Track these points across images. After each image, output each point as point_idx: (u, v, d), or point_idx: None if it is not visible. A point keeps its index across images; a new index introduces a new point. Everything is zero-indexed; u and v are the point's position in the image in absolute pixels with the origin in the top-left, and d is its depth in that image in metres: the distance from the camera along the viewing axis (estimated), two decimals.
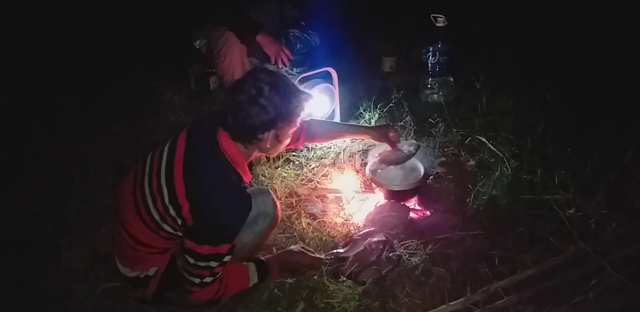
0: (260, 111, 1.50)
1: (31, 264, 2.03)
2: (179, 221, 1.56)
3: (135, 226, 1.64)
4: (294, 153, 2.65)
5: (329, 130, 2.14)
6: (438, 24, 2.92)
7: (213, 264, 1.57)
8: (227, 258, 1.60)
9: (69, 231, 2.19)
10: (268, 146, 1.61)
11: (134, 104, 2.91)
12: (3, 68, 3.03)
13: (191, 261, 1.57)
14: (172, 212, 1.55)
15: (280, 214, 1.89)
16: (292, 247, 1.99)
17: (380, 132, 2.16)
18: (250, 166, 2.45)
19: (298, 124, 1.62)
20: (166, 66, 3.05)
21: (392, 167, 2.35)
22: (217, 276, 1.63)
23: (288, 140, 1.69)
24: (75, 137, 2.72)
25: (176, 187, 1.53)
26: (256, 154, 1.69)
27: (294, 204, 2.34)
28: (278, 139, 1.61)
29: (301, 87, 1.60)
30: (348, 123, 2.16)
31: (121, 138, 2.70)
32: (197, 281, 1.60)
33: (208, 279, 1.61)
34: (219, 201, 1.52)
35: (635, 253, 1.71)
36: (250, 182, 1.73)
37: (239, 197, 1.57)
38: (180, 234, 1.62)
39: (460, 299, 1.73)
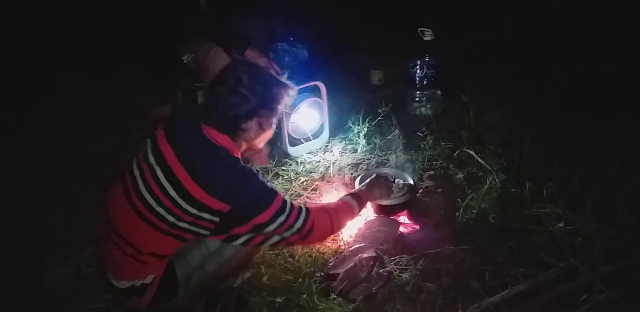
0: (242, 100, 1.52)
1: (15, 284, 1.99)
2: (212, 217, 1.52)
3: (142, 235, 1.59)
4: (283, 168, 2.64)
5: None
6: (425, 38, 2.94)
7: (282, 217, 1.57)
8: (288, 204, 1.60)
9: (54, 250, 2.15)
10: (252, 136, 1.62)
11: (121, 119, 2.89)
12: None
13: (266, 230, 1.56)
14: (195, 211, 1.51)
15: None
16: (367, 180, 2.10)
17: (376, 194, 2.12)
18: None
19: (280, 112, 1.63)
20: (154, 81, 3.03)
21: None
22: (301, 218, 1.62)
23: (272, 131, 1.69)
24: (61, 154, 2.68)
25: (190, 191, 1.49)
26: (244, 146, 1.68)
27: (323, 205, 2.31)
28: (262, 128, 1.62)
29: (281, 77, 1.62)
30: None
31: (107, 154, 2.67)
32: (289, 233, 1.61)
33: (297, 225, 1.61)
34: (240, 177, 1.53)
35: (625, 268, 1.71)
36: None
37: (249, 167, 1.59)
38: (202, 230, 1.57)
39: None
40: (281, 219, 1.57)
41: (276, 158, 2.61)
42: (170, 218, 1.53)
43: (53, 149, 2.72)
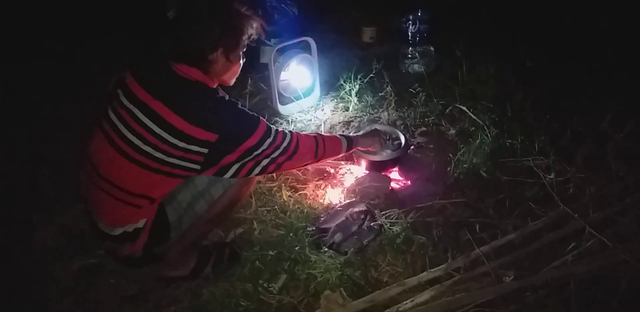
0: (205, 30, 1.51)
1: (5, 243, 1.98)
2: (200, 149, 1.53)
3: (131, 176, 1.59)
4: (273, 126, 2.59)
5: None
6: None
7: (269, 140, 1.61)
8: (272, 129, 1.64)
9: (42, 208, 2.14)
10: (220, 69, 1.60)
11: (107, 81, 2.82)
12: None
13: (255, 153, 1.59)
14: (183, 145, 1.51)
15: None
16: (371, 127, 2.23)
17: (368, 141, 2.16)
18: None
19: (243, 46, 1.63)
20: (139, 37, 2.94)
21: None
22: (287, 138, 1.68)
23: (240, 64, 1.69)
24: (47, 116, 2.63)
25: (175, 124, 1.50)
26: (216, 82, 1.67)
27: (275, 177, 2.30)
28: (229, 60, 1.61)
29: (243, 9, 1.60)
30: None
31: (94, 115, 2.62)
32: (277, 153, 1.66)
33: (284, 145, 1.67)
34: (222, 105, 1.57)
35: (614, 215, 1.72)
36: None
37: (228, 98, 1.62)
38: (192, 165, 1.57)
39: (441, 266, 1.72)
40: (269, 140, 1.61)
41: (266, 117, 2.56)
42: (159, 155, 1.53)
43: (38, 110, 2.67)
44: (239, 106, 1.61)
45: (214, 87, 1.66)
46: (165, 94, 1.54)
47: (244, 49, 1.66)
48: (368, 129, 2.27)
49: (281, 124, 2.64)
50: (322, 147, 1.81)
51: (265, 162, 1.65)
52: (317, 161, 1.87)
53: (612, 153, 1.95)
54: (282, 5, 3.14)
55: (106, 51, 3.06)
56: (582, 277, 1.58)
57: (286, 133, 1.70)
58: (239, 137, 1.57)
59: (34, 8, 3.23)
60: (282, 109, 2.67)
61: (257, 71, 2.90)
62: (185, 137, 1.51)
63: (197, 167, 1.57)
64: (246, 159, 1.60)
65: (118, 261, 1.84)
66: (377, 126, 2.33)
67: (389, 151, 2.26)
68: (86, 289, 1.88)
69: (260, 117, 1.63)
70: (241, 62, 1.70)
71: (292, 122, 2.65)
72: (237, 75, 1.74)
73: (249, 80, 2.74)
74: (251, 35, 1.64)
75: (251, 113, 1.62)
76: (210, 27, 1.53)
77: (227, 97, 1.63)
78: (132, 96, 1.56)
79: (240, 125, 1.58)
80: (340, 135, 1.98)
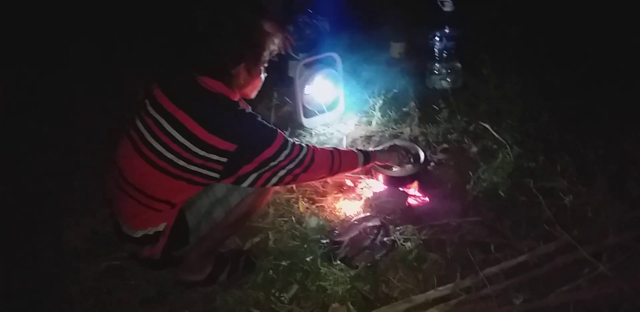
0: (226, 41, 1.60)
1: (33, 242, 2.10)
2: (219, 158, 1.60)
3: (154, 181, 1.67)
4: (297, 139, 2.65)
5: None
6: (445, 9, 2.87)
7: (285, 151, 1.66)
8: (289, 142, 1.69)
9: (72, 210, 2.25)
10: (242, 82, 1.69)
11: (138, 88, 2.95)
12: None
13: (272, 164, 1.65)
14: (203, 153, 1.59)
15: None
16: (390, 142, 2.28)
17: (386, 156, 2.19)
18: None
19: (265, 61, 1.71)
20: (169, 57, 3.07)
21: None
22: (303, 151, 1.72)
23: (262, 78, 1.76)
24: (83, 120, 2.77)
25: (196, 133, 1.57)
26: (238, 95, 1.74)
27: (294, 188, 2.35)
28: (250, 74, 1.69)
29: (267, 26, 1.68)
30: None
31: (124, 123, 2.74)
32: (293, 165, 1.70)
33: (300, 157, 1.71)
34: (241, 116, 1.63)
35: (629, 241, 1.68)
36: None
37: (248, 110, 1.69)
38: (212, 173, 1.63)
39: (449, 285, 1.72)
40: (286, 152, 1.66)
41: (289, 129, 2.63)
42: (181, 162, 1.60)
43: (76, 114, 2.81)
44: (258, 119, 1.67)
45: (236, 99, 1.73)
46: (189, 104, 1.61)
47: (266, 64, 1.74)
48: (387, 144, 2.30)
49: (304, 136, 2.69)
50: (337, 161, 1.85)
51: (281, 173, 1.70)
52: (334, 175, 1.91)
53: (633, 176, 1.90)
54: (314, 21, 3.21)
55: (140, 58, 3.20)
56: (592, 302, 1.55)
57: (303, 146, 1.74)
58: (256, 148, 1.63)
59: (68, 13, 3.44)
60: (306, 121, 2.72)
61: (285, 84, 2.97)
62: (205, 146, 1.58)
63: (216, 175, 1.64)
64: (263, 170, 1.66)
65: (139, 263, 1.92)
66: (397, 142, 2.36)
67: (408, 167, 2.28)
68: (107, 290, 1.97)
69: (278, 130, 1.68)
70: (262, 76, 1.77)
71: (315, 135, 2.70)
72: (259, 88, 1.81)
73: (275, 94, 2.81)
74: (273, 51, 1.72)
75: (269, 126, 1.68)
76: (233, 43, 1.61)
77: (248, 110, 1.70)
78: (159, 106, 1.64)
79: (258, 137, 1.64)
80: (358, 149, 2.01)
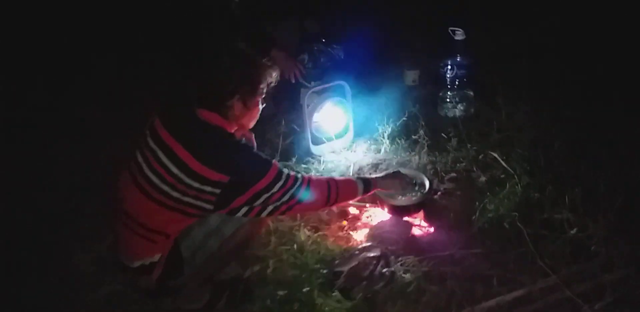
0: (223, 74, 1.65)
1: (43, 265, 2.16)
2: (213, 190, 1.62)
3: (149, 213, 1.70)
4: (305, 165, 2.67)
5: None
6: (456, 38, 2.88)
7: (279, 183, 1.67)
8: (283, 173, 1.69)
9: (82, 236, 2.31)
10: (237, 113, 1.71)
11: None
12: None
13: (265, 196, 1.65)
14: (197, 185, 1.61)
15: None
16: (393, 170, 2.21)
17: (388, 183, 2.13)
18: None
19: (262, 93, 1.74)
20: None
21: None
22: (298, 182, 1.72)
23: (259, 109, 1.79)
24: (99, 142, 2.86)
25: (190, 165, 1.61)
26: (235, 126, 1.77)
27: (297, 216, 2.35)
28: (246, 106, 1.72)
29: (266, 60, 1.73)
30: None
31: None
32: (287, 197, 1.70)
33: (294, 189, 1.70)
34: (234, 148, 1.67)
35: (628, 276, 1.61)
36: None
37: (242, 141, 1.74)
38: (206, 205, 1.66)
39: None
40: (279, 184, 1.67)
41: (296, 156, 2.65)
42: (175, 194, 1.64)
43: (91, 136, 2.92)
44: (252, 151, 1.71)
45: (233, 131, 1.76)
46: (185, 137, 1.66)
47: (263, 96, 1.77)
48: (390, 171, 2.28)
49: (313, 163, 2.71)
50: (334, 192, 1.83)
51: (276, 204, 1.71)
52: (331, 205, 1.92)
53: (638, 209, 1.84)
54: (329, 49, 3.27)
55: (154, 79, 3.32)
56: None
57: (297, 177, 1.75)
58: (249, 180, 1.64)
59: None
60: (314, 148, 2.74)
61: (296, 112, 3.02)
62: (199, 178, 1.61)
63: (210, 207, 1.66)
64: (257, 201, 1.67)
65: (136, 291, 1.94)
66: (402, 170, 2.35)
67: (413, 196, 2.25)
68: None
69: (273, 161, 1.70)
70: (260, 107, 1.80)
71: (323, 162, 2.71)
72: (257, 119, 1.84)
73: (283, 121, 2.85)
74: (270, 83, 1.76)
75: (264, 157, 1.70)
76: (229, 76, 1.66)
77: (242, 142, 1.74)
78: (157, 138, 1.69)
79: (251, 168, 1.66)
80: (358, 178, 2.00)
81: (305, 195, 1.75)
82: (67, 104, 3.19)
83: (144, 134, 1.75)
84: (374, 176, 2.13)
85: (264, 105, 1.82)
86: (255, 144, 1.95)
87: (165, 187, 1.65)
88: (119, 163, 2.54)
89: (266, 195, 1.67)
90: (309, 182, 1.77)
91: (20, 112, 3.19)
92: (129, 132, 2.83)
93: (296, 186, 1.72)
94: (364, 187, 1.95)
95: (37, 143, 2.94)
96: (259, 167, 1.67)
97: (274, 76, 1.76)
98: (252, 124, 1.85)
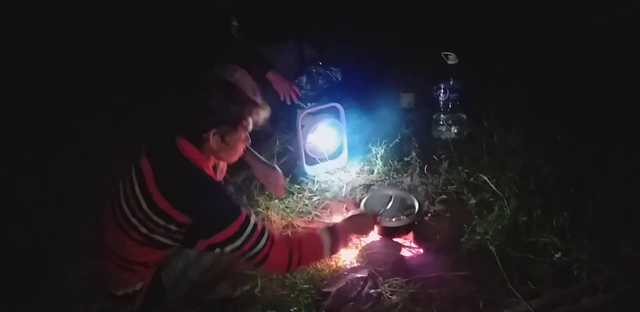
0: (204, 111, 1.61)
1: (37, 282, 2.18)
2: (178, 229, 1.63)
3: (123, 245, 1.72)
4: (298, 186, 2.70)
5: None
6: (449, 62, 2.95)
7: (239, 241, 1.60)
8: (248, 228, 1.61)
9: (80, 253, 2.32)
10: (215, 147, 1.66)
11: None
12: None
13: (231, 245, 1.60)
14: (163, 223, 1.62)
15: None
16: (351, 212, 2.12)
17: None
18: (250, 194, 2.54)
19: (245, 130, 1.69)
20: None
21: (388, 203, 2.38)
22: (260, 243, 1.62)
23: (240, 147, 1.75)
24: (102, 163, 2.91)
25: (158, 203, 1.59)
26: (212, 159, 1.74)
27: (290, 236, 2.37)
28: (224, 142, 1.66)
29: (255, 97, 1.69)
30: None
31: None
32: (252, 253, 1.63)
33: (257, 248, 1.62)
34: (201, 190, 1.60)
35: (611, 301, 1.62)
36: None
37: (215, 182, 1.67)
38: (174, 242, 1.68)
39: None
40: (239, 241, 1.60)
41: (290, 176, 2.69)
42: (144, 230, 1.65)
43: (94, 156, 2.97)
44: (223, 195, 1.63)
45: (210, 165, 1.73)
46: (158, 170, 1.63)
47: (247, 132, 1.72)
48: (351, 212, 2.19)
49: (307, 183, 2.74)
50: (296, 256, 1.70)
51: (246, 255, 1.65)
52: (295, 268, 1.83)
53: (628, 236, 1.86)
54: (327, 71, 3.34)
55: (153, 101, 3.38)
56: None
57: (262, 238, 1.64)
58: (211, 227, 1.60)
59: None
60: (308, 169, 2.78)
61: (291, 132, 3.07)
62: (165, 216, 1.61)
63: (179, 245, 1.69)
64: (224, 248, 1.62)
65: None
66: (392, 191, 2.38)
67: (403, 217, 2.29)
68: None
69: (242, 211, 1.63)
70: (245, 144, 1.77)
71: (317, 182, 2.74)
72: (239, 154, 1.79)
73: (277, 142, 2.90)
74: (257, 121, 1.72)
75: (234, 205, 1.63)
76: (210, 110, 1.61)
77: (214, 183, 1.67)
78: (138, 168, 1.68)
79: (214, 216, 1.61)
80: (326, 230, 1.82)
81: (265, 258, 1.66)
82: (67, 121, 3.24)
83: (132, 163, 1.74)
84: (339, 220, 2.09)
85: (250, 142, 1.78)
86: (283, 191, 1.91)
87: (135, 221, 1.65)
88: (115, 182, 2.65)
89: (232, 245, 1.61)
90: (271, 245, 1.66)
91: (20, 128, 3.26)
92: (129, 150, 2.93)
93: (260, 244, 1.63)
94: (330, 242, 1.78)
95: (36, 157, 2.99)
96: (224, 215, 1.60)
97: (261, 116, 1.71)
98: (233, 160, 1.81)
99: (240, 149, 1.77)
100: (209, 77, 1.74)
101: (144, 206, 1.62)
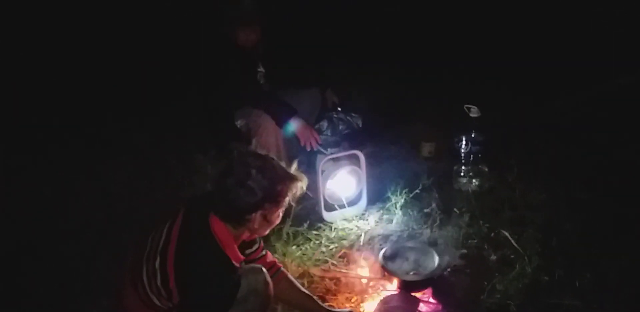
0: (248, 193, 1.60)
1: None
2: (170, 301, 1.65)
3: (130, 300, 1.73)
4: (316, 232, 2.69)
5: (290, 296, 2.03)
6: (471, 115, 2.97)
7: None
8: None
9: (95, 289, 2.32)
10: (256, 227, 1.68)
11: (179, 174, 3.13)
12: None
13: None
14: (163, 293, 1.64)
15: (272, 293, 1.83)
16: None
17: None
18: (267, 239, 2.53)
19: (285, 204, 1.69)
20: (212, 142, 3.29)
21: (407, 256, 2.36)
22: None
23: (278, 220, 1.75)
24: (120, 201, 2.94)
25: (168, 272, 1.61)
26: (246, 233, 1.75)
27: (305, 285, 2.34)
28: (266, 219, 1.68)
29: (290, 170, 1.70)
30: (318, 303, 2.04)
31: (161, 206, 2.88)
32: None
33: None
34: (203, 279, 1.59)
35: None
36: (240, 264, 1.78)
37: (224, 275, 1.64)
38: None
39: None
40: None
41: (309, 222, 2.68)
42: (148, 291, 1.66)
43: (113, 195, 2.99)
44: (221, 288, 1.61)
45: (239, 240, 1.73)
46: (180, 244, 1.63)
47: (285, 207, 1.72)
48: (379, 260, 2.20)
49: (324, 230, 2.72)
50: None
51: None
52: None
53: None
54: (348, 117, 3.39)
55: (182, 145, 3.44)
56: None
57: None
58: None
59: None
60: (326, 215, 2.77)
61: (311, 177, 3.07)
62: (167, 288, 1.62)
63: None
64: None
65: None
66: (412, 243, 2.35)
67: (422, 271, 2.25)
68: None
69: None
70: (278, 220, 1.76)
71: (334, 229, 2.72)
72: (273, 226, 1.78)
73: None
74: (295, 193, 1.72)
75: (221, 303, 1.62)
76: (253, 191, 1.60)
77: (225, 277, 1.64)
78: (169, 231, 1.68)
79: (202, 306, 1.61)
80: None
81: None
82: (93, 163, 3.30)
83: (166, 220, 1.74)
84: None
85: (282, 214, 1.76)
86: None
87: (152, 296, 1.66)
88: (133, 222, 2.67)
89: None
90: None
91: (45, 159, 3.34)
92: (149, 195, 2.95)
93: None
94: None
95: (57, 190, 3.04)
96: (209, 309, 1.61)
97: (299, 187, 1.71)
98: (266, 233, 1.81)
99: (276, 222, 1.76)
100: (246, 158, 1.66)
101: (158, 282, 1.63)
